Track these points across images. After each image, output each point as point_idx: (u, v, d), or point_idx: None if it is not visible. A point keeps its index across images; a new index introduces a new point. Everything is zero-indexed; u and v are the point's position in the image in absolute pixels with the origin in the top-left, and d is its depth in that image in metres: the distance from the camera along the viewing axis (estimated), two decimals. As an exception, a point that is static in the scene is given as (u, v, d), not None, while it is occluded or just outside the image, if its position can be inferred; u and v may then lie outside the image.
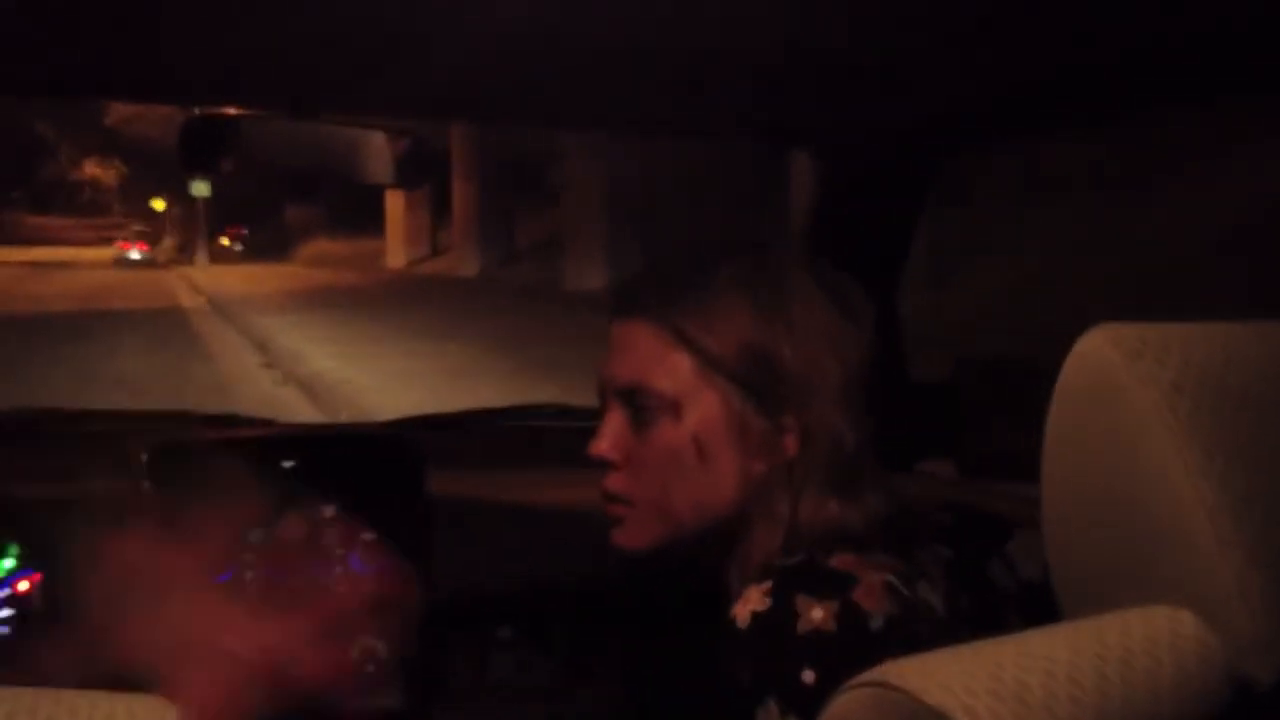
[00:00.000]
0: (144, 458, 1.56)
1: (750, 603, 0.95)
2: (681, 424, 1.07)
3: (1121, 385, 0.65)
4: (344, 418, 8.68)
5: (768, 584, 0.95)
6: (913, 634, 0.91)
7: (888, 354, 1.73)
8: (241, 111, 1.58)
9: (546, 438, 1.89)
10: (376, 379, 10.60)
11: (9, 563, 1.49)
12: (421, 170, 1.65)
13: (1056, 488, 0.70)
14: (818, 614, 0.91)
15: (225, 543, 1.53)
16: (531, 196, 22.14)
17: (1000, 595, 1.11)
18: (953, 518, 1.51)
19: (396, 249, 29.28)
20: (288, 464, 1.58)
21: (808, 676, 0.89)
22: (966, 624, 1.00)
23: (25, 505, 1.53)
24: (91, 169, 57.90)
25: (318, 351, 12.59)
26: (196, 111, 1.54)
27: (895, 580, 0.96)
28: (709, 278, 1.09)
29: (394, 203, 27.82)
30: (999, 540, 1.15)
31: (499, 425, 2.01)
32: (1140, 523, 0.65)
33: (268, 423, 1.93)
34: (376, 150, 1.58)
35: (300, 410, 9.44)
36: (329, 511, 1.57)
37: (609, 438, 1.12)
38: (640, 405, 1.09)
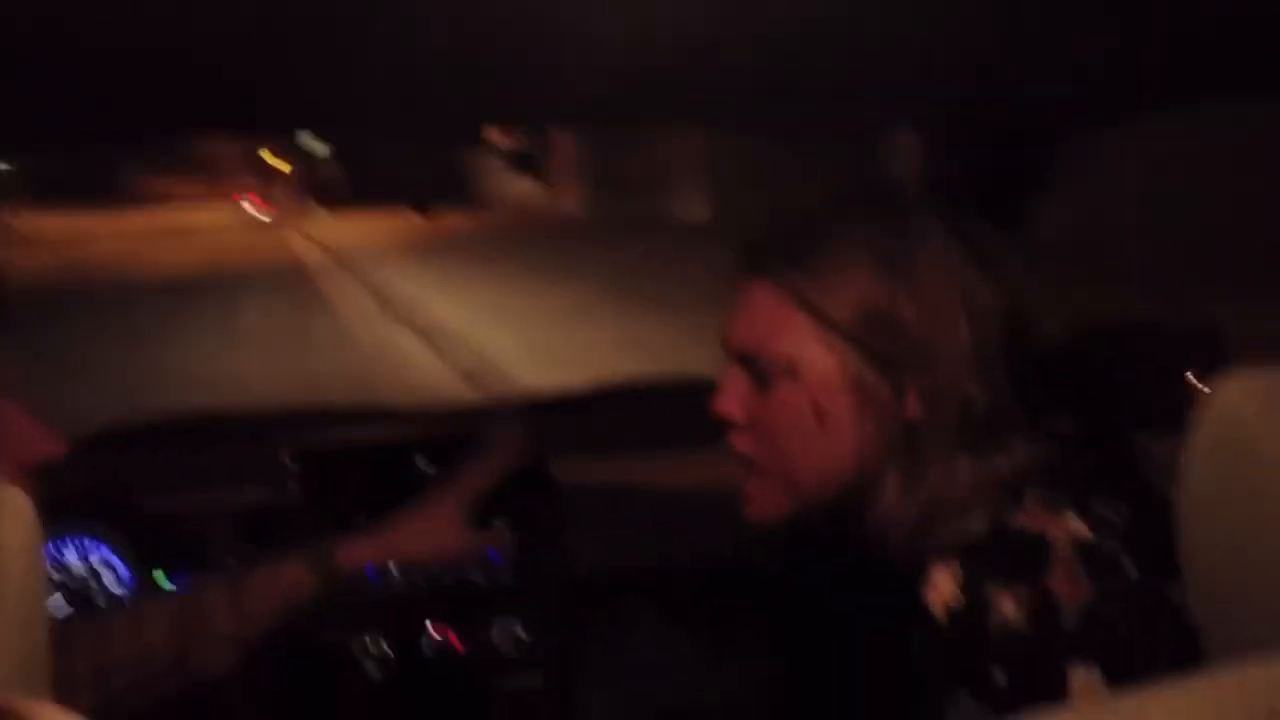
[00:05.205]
0: (291, 466, 1.63)
1: (941, 593, 0.96)
2: (800, 386, 1.06)
3: (1259, 434, 0.66)
4: (463, 363, 8.86)
5: (955, 568, 0.97)
6: (1108, 622, 0.92)
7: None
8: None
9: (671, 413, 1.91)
10: (491, 323, 10.74)
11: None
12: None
13: (1196, 538, 0.71)
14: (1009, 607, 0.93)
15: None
16: (634, 128, 21.97)
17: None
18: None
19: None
20: (426, 468, 1.64)
21: (1000, 677, 0.91)
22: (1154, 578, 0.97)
23: (175, 518, 1.60)
24: (202, 126, 58.69)
25: (433, 298, 12.77)
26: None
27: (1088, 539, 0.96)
28: (831, 235, 1.07)
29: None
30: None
31: (621, 403, 2.03)
32: None
33: (401, 414, 1.97)
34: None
35: (420, 359, 9.61)
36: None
37: (731, 396, 1.12)
38: (759, 366, 1.09)
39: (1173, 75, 1.34)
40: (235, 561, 1.55)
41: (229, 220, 35.80)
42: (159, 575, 1.55)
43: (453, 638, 1.63)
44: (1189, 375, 1.49)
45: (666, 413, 1.95)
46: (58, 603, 1.52)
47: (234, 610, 1.27)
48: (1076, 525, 0.97)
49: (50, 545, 1.54)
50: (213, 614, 1.27)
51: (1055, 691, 0.90)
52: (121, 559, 1.55)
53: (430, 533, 1.40)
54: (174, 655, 1.24)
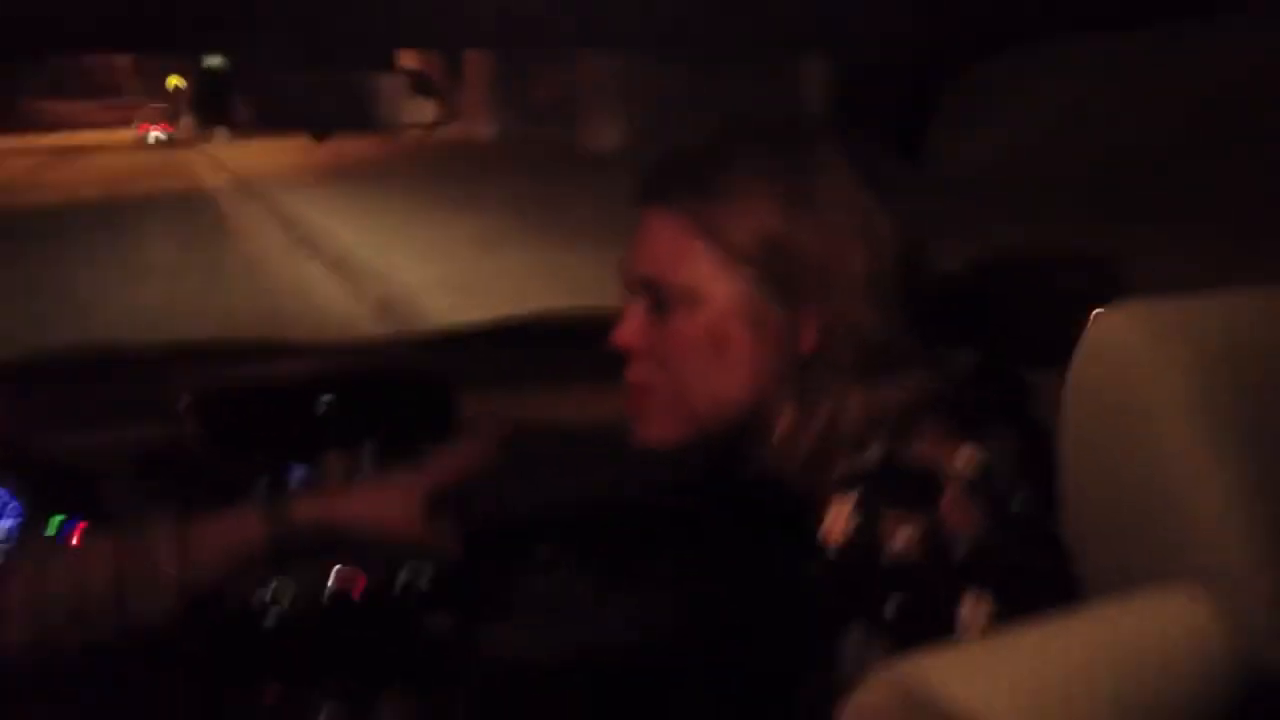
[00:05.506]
0: (187, 403, 1.58)
1: (836, 522, 0.97)
2: (699, 314, 1.06)
3: (1139, 366, 0.66)
4: (371, 296, 8.76)
5: (849, 499, 0.97)
6: (998, 552, 0.93)
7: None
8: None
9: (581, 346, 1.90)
10: (401, 253, 10.61)
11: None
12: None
13: (1076, 470, 0.71)
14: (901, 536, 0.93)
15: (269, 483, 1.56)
16: (543, 52, 21.71)
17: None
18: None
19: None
20: (325, 400, 1.60)
21: (892, 606, 0.91)
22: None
23: (70, 459, 1.55)
24: (101, 48, 57.01)
25: (342, 227, 12.58)
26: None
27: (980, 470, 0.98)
28: (731, 163, 1.06)
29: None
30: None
31: (527, 338, 2.01)
32: (1159, 505, 0.65)
33: (303, 349, 1.92)
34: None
35: (328, 290, 9.49)
36: (368, 447, 1.60)
37: (629, 327, 1.12)
38: (659, 295, 1.08)
39: (1086, 4, 1.34)
40: (137, 505, 1.52)
41: (131, 145, 34.88)
42: (53, 519, 1.50)
43: (361, 581, 1.61)
44: (1089, 308, 1.51)
45: (576, 346, 1.93)
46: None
47: (179, 555, 1.24)
48: (969, 456, 0.99)
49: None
50: (157, 557, 1.23)
51: (946, 621, 0.91)
52: (13, 500, 1.50)
53: (388, 510, 1.37)
54: (113, 595, 1.20)
